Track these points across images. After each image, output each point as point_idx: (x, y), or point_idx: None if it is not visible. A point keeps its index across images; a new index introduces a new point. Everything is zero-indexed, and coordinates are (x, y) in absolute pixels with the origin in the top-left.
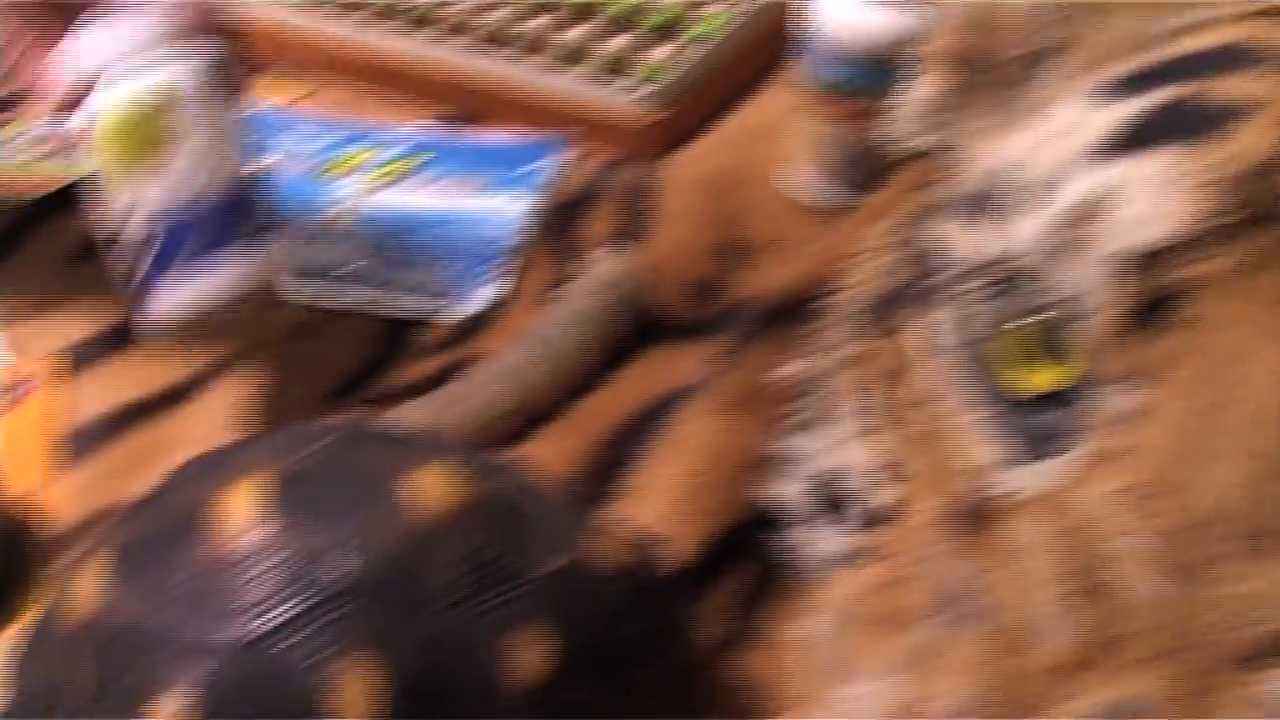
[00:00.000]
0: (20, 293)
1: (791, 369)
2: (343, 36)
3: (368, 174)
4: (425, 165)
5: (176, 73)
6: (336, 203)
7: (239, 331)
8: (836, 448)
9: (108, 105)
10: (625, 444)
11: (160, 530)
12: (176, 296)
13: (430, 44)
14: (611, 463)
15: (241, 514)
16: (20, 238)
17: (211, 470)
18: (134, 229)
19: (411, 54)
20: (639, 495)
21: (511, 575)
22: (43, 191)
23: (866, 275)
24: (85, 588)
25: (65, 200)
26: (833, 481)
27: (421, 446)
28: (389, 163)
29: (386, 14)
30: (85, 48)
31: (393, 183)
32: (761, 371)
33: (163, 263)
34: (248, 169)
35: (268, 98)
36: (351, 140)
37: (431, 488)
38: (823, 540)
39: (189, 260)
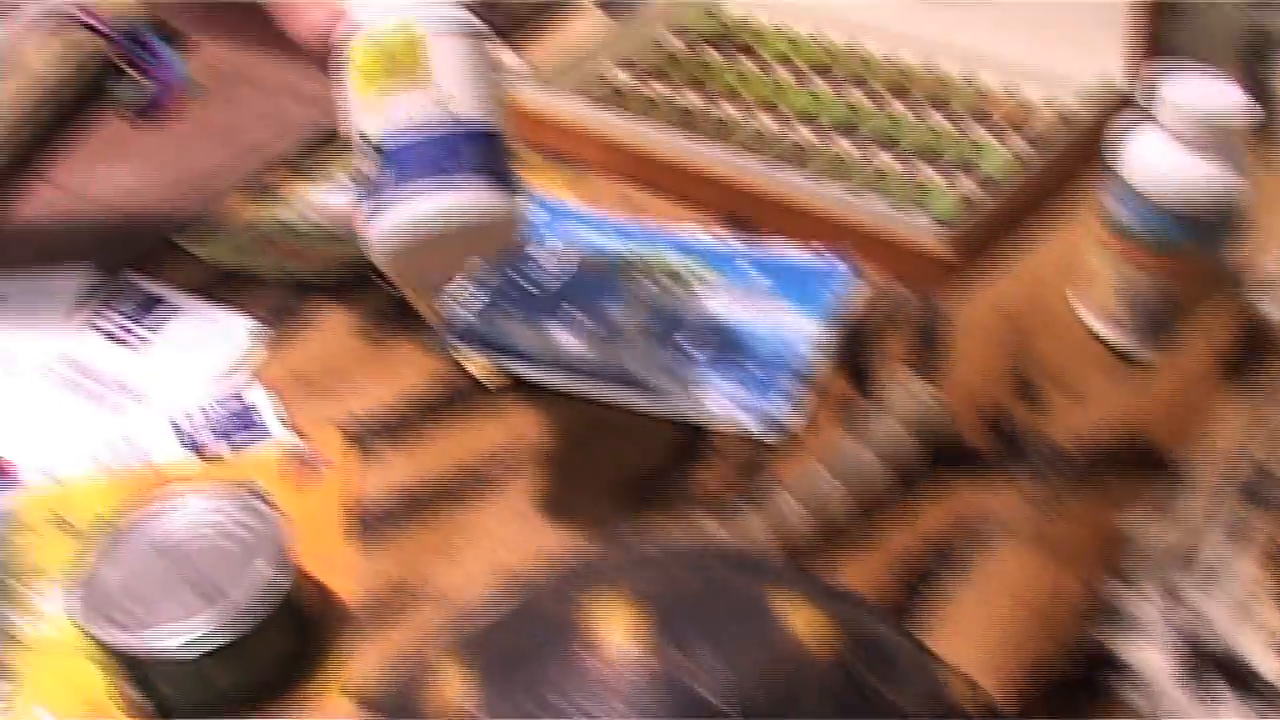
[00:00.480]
0: (309, 366)
1: (1143, 525)
2: (627, 131)
3: (659, 276)
4: (716, 273)
5: (435, 10)
6: (627, 302)
7: (453, 257)
8: (1229, 619)
9: (361, 36)
10: (926, 574)
11: (529, 642)
12: (397, 215)
13: (720, 150)
14: (911, 593)
15: (619, 633)
16: (310, 310)
17: (575, 584)
18: (369, 154)
19: (698, 156)
20: (946, 632)
21: (887, 712)
22: (335, 269)
23: (1236, 448)
24: (447, 693)
25: (358, 276)
26: (1222, 654)
27: (784, 573)
28: (679, 267)
29: (683, 120)
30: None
31: (684, 288)
32: (1090, 520)
33: (386, 181)
34: (486, 111)
35: (541, 186)
36: (636, 239)
37: (803, 618)
38: (1206, 713)
39: (415, 176)
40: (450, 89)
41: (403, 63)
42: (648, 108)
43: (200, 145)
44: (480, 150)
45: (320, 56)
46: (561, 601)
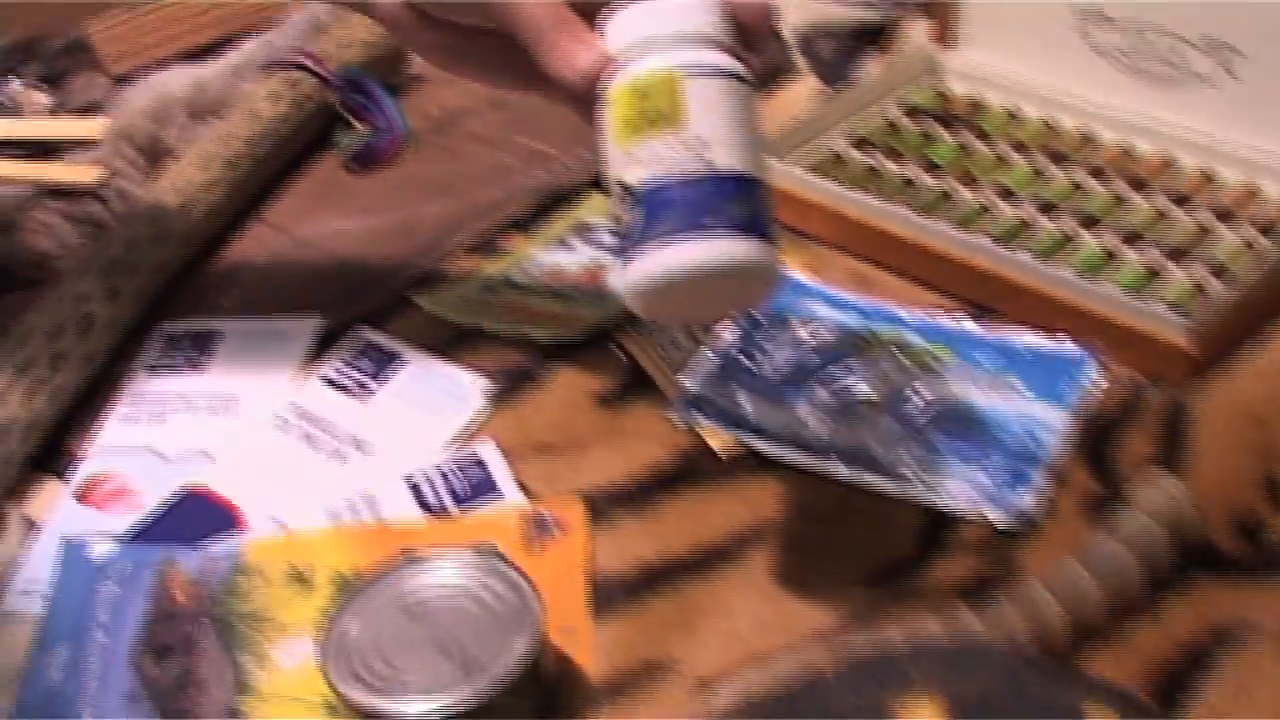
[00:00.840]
0: (542, 429)
1: None
2: (857, 205)
3: (899, 356)
4: (955, 356)
5: (697, 54)
6: (868, 381)
7: (708, 307)
8: None
9: (625, 78)
10: (1181, 679)
11: None
12: (653, 264)
13: (954, 229)
14: (1166, 699)
15: None
16: (543, 372)
17: (873, 677)
18: (625, 200)
19: (931, 234)
20: None
21: None
22: (567, 331)
23: None
24: None
25: (591, 339)
26: None
27: (1097, 686)
28: (918, 348)
29: (913, 197)
30: (621, 27)
31: (925, 370)
32: None
33: (642, 228)
34: (746, 159)
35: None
36: (873, 317)
37: None
38: None
39: (672, 227)
40: (709, 136)
41: (661, 108)
42: (878, 182)
43: (424, 198)
44: (739, 200)
45: (583, 99)
46: (858, 694)
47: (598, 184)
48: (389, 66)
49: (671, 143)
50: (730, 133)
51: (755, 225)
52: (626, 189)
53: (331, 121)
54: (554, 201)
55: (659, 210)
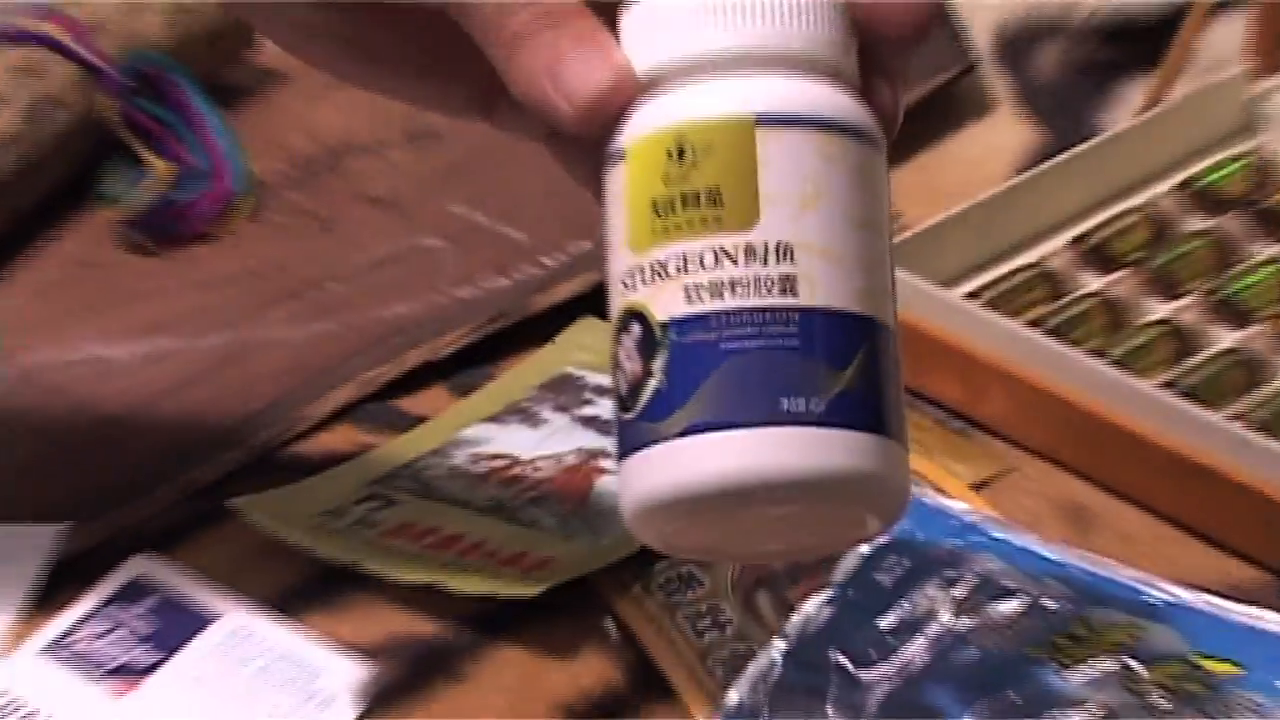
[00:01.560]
0: None
1: None
2: (1099, 386)
3: (1139, 676)
4: (1249, 673)
5: (791, 91)
6: (1070, 709)
7: (771, 543)
8: None
9: (657, 122)
10: None
11: None
12: (680, 470)
13: (1272, 444)
14: None
15: None
16: (479, 659)
17: None
18: (641, 343)
19: (1230, 448)
20: None
21: None
22: (526, 588)
23: None
24: None
25: (566, 597)
26: None
27: None
28: (1179, 659)
29: (1221, 389)
30: (655, 27)
31: (1189, 702)
32: None
33: (668, 399)
34: (863, 293)
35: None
36: (1089, 589)
37: None
38: None
39: (717, 407)
40: (804, 245)
41: (719, 185)
42: (1125, 337)
43: (267, 307)
44: (846, 365)
45: (575, 146)
46: None
47: (598, 305)
48: (217, 54)
49: (733, 251)
50: (843, 242)
51: (870, 412)
52: (644, 324)
53: (103, 152)
54: (512, 331)
55: (701, 372)
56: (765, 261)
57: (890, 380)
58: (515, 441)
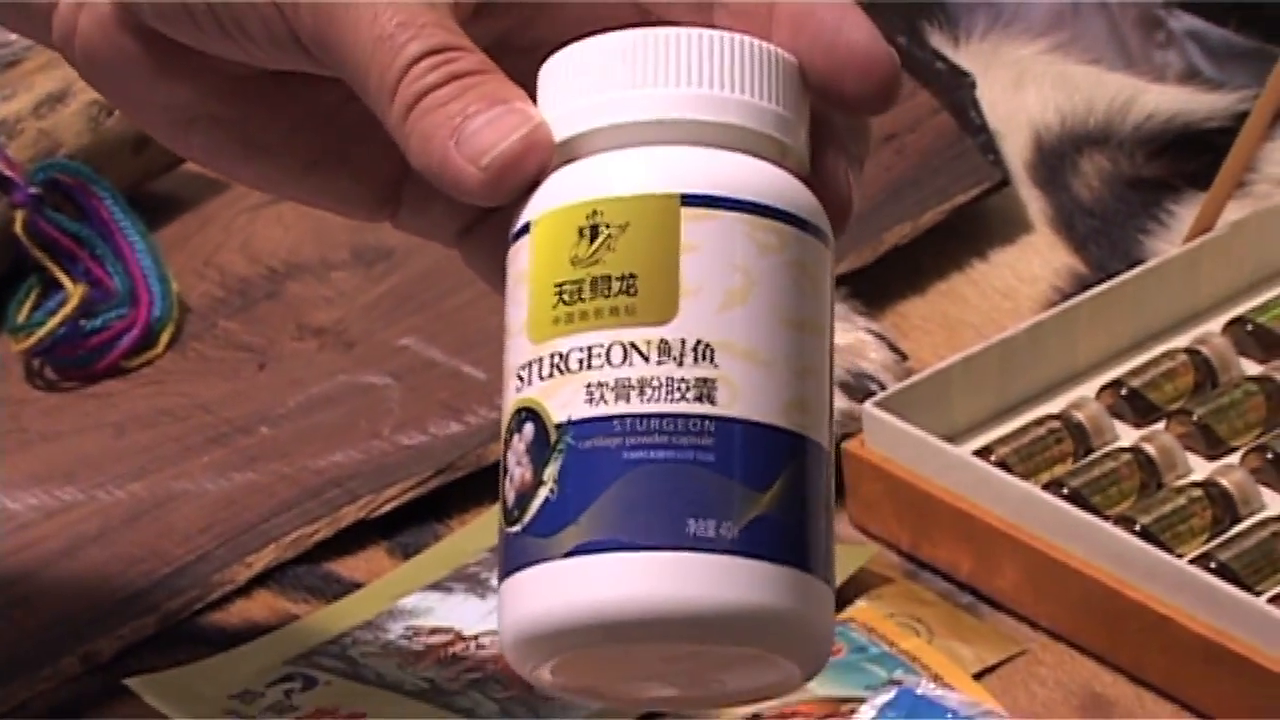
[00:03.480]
0: None
1: None
2: (1122, 559)
3: None
4: None
5: (722, 167)
6: None
7: (657, 688)
8: None
9: (568, 194)
10: None
11: None
12: (571, 591)
13: None
14: None
15: None
16: None
17: None
18: (532, 444)
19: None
20: None
21: None
22: None
23: None
24: None
25: None
26: None
27: None
28: None
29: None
30: (572, 79)
31: None
32: None
33: (558, 512)
34: (790, 403)
35: (887, 637)
36: None
37: None
38: None
39: (614, 525)
40: (725, 345)
41: (634, 270)
42: (1161, 502)
43: (187, 454)
44: (763, 485)
45: (482, 203)
46: None
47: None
48: (143, 161)
49: (644, 347)
50: (773, 344)
51: (790, 543)
52: (538, 424)
53: (12, 271)
54: (463, 484)
55: (599, 484)
56: (681, 361)
57: (817, 508)
58: (460, 614)
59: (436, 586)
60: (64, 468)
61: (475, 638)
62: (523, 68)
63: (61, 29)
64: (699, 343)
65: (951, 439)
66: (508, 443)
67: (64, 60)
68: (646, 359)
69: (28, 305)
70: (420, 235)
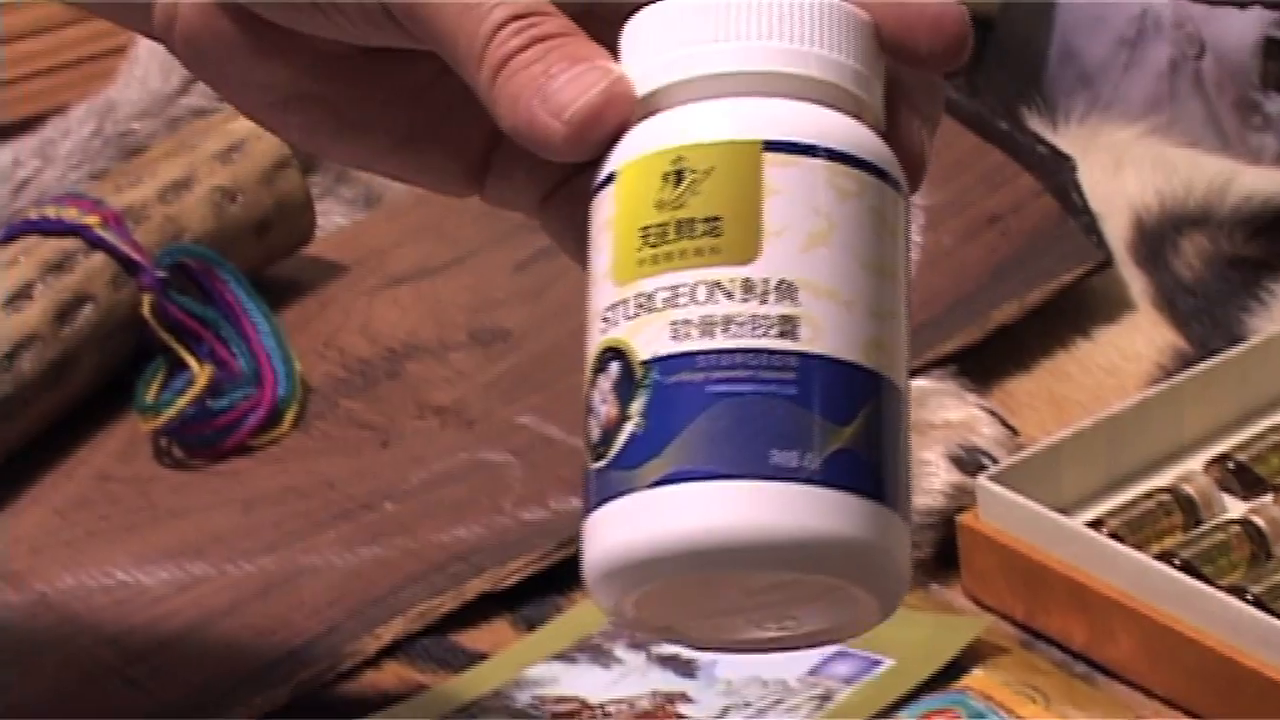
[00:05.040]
0: None
1: None
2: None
3: None
4: None
5: (802, 116)
6: None
7: (753, 614)
8: None
9: (651, 142)
10: None
11: None
12: (655, 521)
13: None
14: None
15: None
16: None
17: None
18: (620, 381)
19: None
20: None
21: None
22: None
23: None
24: None
25: None
26: None
27: None
28: None
29: None
30: (652, 37)
31: None
32: None
33: (644, 444)
34: (869, 343)
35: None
36: None
37: None
38: None
39: (698, 455)
40: (806, 284)
41: (716, 213)
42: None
43: (315, 529)
44: (844, 419)
45: (563, 169)
46: None
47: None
48: (265, 245)
49: (729, 285)
50: (853, 285)
51: (870, 476)
52: (624, 362)
53: (140, 353)
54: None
55: (684, 416)
56: (764, 299)
57: (896, 445)
58: (584, 683)
59: (561, 657)
60: (194, 543)
61: (601, 706)
62: (609, 35)
63: (162, 17)
64: (781, 281)
65: (1063, 512)
66: (593, 383)
67: (177, 143)
68: (731, 296)
69: (155, 386)
70: (505, 206)
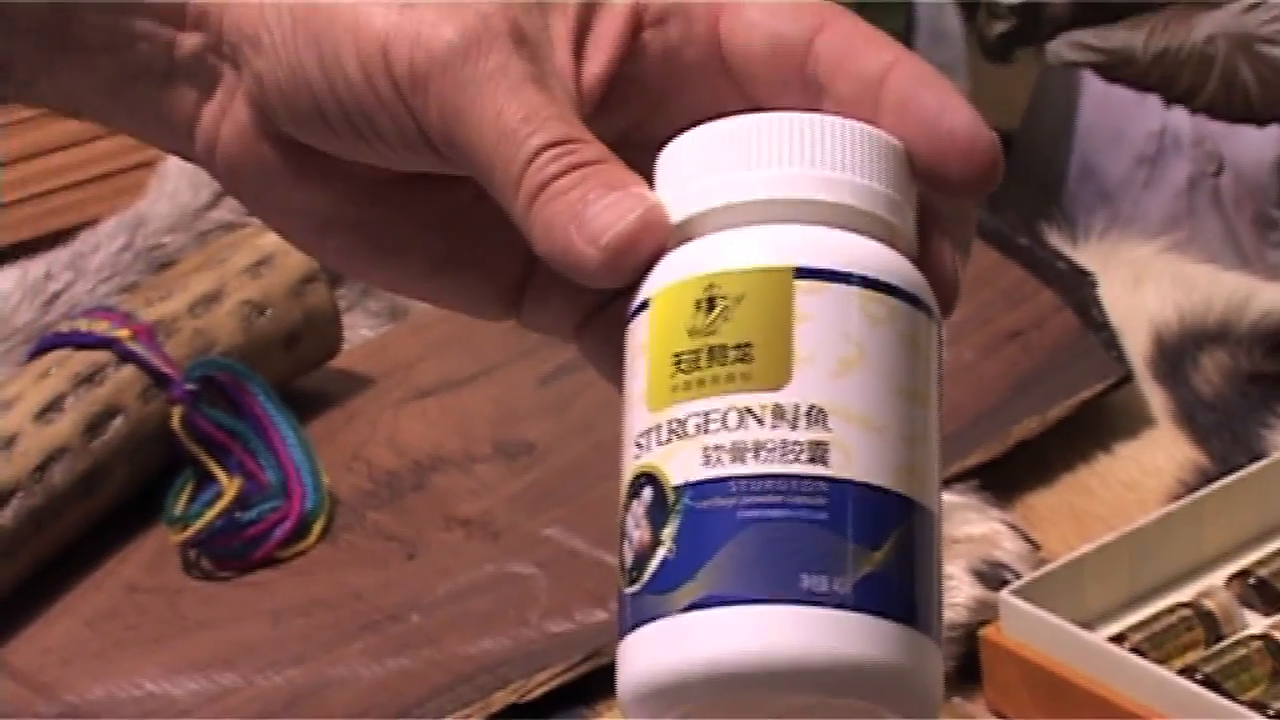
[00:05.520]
0: None
1: None
2: None
3: None
4: None
5: (835, 245)
6: None
7: None
8: None
9: (683, 270)
10: None
11: None
12: (689, 646)
13: None
14: None
15: None
16: None
17: None
18: (652, 507)
19: None
20: None
21: None
22: None
23: None
24: None
25: None
26: None
27: None
28: None
29: None
30: (686, 166)
31: None
32: None
33: (676, 569)
34: (900, 469)
35: None
36: None
37: None
38: None
39: (730, 580)
40: (837, 410)
41: (748, 340)
42: None
43: (341, 641)
44: (875, 544)
45: (602, 283)
46: None
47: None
48: (293, 358)
49: (760, 411)
50: (884, 411)
51: (901, 600)
52: (657, 487)
53: (170, 465)
54: (610, 670)
55: (716, 542)
56: (795, 425)
57: (927, 569)
58: None
59: None
60: (223, 654)
61: None
62: (644, 162)
63: (205, 140)
64: (812, 407)
65: (1085, 626)
66: (627, 507)
67: (206, 256)
68: (761, 422)
69: (184, 498)
70: (541, 331)
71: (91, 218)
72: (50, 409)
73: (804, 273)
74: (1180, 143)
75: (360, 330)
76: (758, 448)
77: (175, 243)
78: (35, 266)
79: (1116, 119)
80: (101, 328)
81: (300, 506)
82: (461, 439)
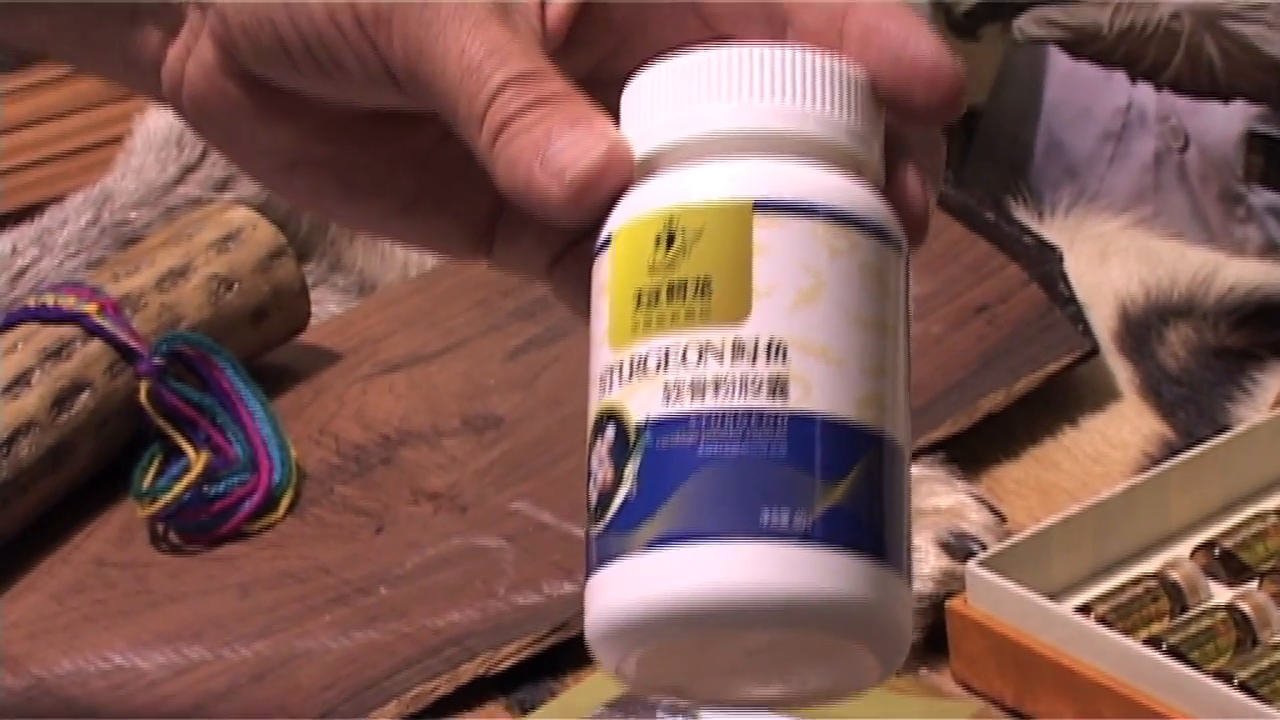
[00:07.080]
0: None
1: None
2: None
3: None
4: None
5: (797, 176)
6: None
7: (739, 682)
8: None
9: (645, 205)
10: None
11: None
12: (649, 583)
13: None
14: None
15: None
16: None
17: None
18: (615, 444)
19: None
20: None
21: None
22: None
23: None
24: None
25: None
26: None
27: None
28: None
29: None
30: (647, 100)
31: None
32: None
33: (637, 508)
34: (864, 399)
35: None
36: None
37: None
38: None
39: (690, 517)
40: (797, 343)
41: (708, 275)
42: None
43: (309, 614)
44: (836, 476)
45: (566, 221)
46: None
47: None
48: (261, 333)
49: (719, 346)
50: (845, 342)
51: (865, 533)
52: (619, 426)
53: (137, 440)
54: (578, 642)
55: (676, 479)
56: (754, 359)
57: (894, 502)
58: None
59: None
60: (191, 627)
61: None
62: (612, 99)
63: (171, 80)
64: (771, 341)
65: (1051, 597)
66: (591, 446)
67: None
68: (721, 358)
69: (152, 472)
70: (513, 270)
71: (59, 193)
72: (17, 384)
73: (763, 205)
74: (1146, 119)
75: (328, 305)
76: (717, 383)
77: (142, 218)
78: (2, 242)
79: (1083, 95)
80: (69, 303)
81: (268, 480)
82: (429, 413)
